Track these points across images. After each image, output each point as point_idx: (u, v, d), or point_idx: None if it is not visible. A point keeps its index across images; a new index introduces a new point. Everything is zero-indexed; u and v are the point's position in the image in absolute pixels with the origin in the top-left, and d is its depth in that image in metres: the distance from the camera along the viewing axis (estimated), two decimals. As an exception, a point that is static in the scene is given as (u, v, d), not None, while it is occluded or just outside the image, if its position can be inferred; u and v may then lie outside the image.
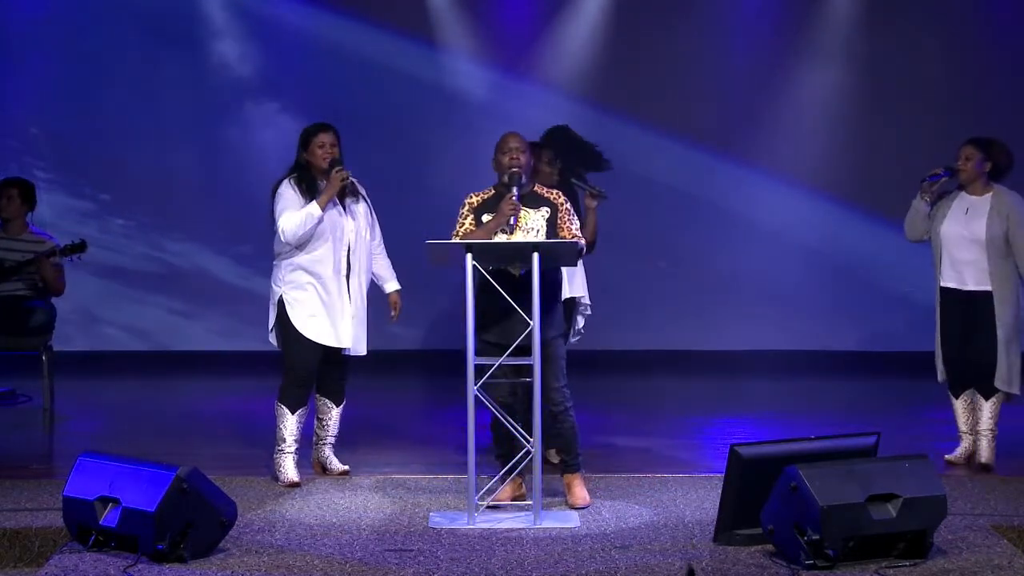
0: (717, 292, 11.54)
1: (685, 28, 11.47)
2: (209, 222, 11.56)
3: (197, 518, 5.58)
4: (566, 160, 7.73)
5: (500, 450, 6.62)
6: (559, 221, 6.52)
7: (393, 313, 7.33)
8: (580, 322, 7.71)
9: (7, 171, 10.05)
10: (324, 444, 7.26)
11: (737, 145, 11.52)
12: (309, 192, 6.96)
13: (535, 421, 6.26)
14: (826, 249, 11.60)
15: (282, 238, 6.95)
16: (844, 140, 11.54)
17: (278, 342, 7.12)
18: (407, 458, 7.79)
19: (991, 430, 7.40)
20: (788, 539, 5.46)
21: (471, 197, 6.64)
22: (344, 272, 7.00)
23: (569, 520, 6.27)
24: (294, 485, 6.94)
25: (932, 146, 10.82)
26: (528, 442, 6.30)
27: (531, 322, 6.20)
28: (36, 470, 7.47)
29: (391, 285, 7.30)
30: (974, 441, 7.51)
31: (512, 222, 6.45)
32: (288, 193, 6.98)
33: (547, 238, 6.45)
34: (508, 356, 6.30)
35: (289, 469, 6.99)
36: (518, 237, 6.45)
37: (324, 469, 7.25)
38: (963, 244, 7.33)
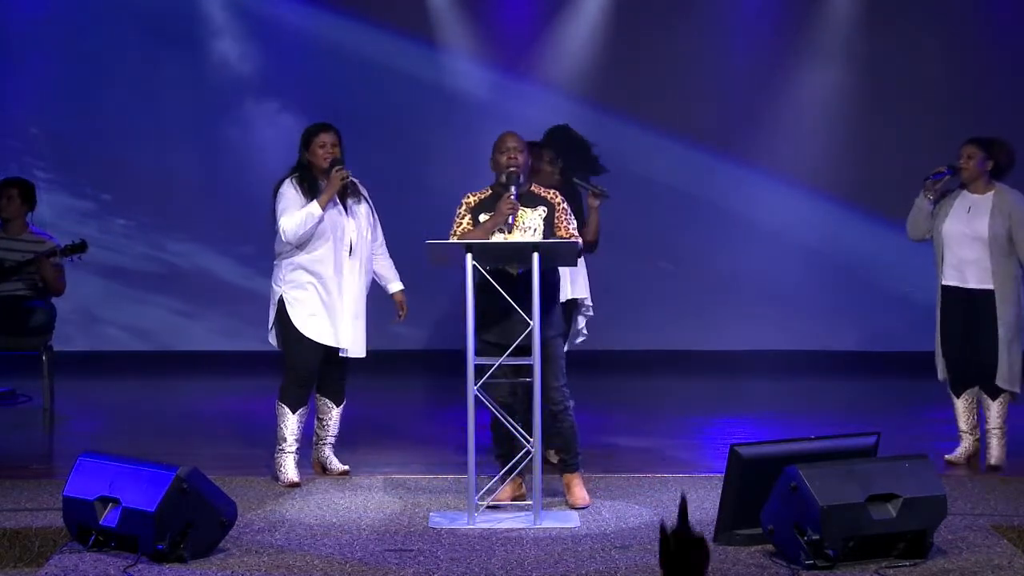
0: (717, 292, 11.54)
1: (685, 28, 11.47)
2: (210, 222, 11.56)
3: (197, 518, 5.58)
4: (567, 160, 7.73)
5: (500, 450, 6.62)
6: (556, 220, 6.53)
7: (401, 313, 7.33)
8: (581, 322, 7.71)
9: (8, 171, 10.05)
10: (324, 444, 7.26)
11: (737, 145, 11.52)
12: (310, 192, 6.96)
13: (535, 421, 6.27)
14: (826, 249, 11.60)
15: (283, 237, 6.96)
16: (844, 140, 11.54)
17: (278, 342, 7.12)
18: (407, 458, 7.79)
19: (1000, 428, 7.42)
20: (788, 539, 5.46)
21: (468, 197, 6.64)
22: (344, 272, 7.00)
23: (569, 520, 6.27)
24: (294, 485, 6.94)
25: (932, 146, 10.82)
26: (528, 442, 6.30)
27: (531, 322, 6.20)
28: (36, 470, 7.47)
29: (394, 285, 7.30)
30: (976, 441, 7.53)
31: (510, 221, 6.46)
32: (289, 193, 6.99)
33: (544, 237, 6.46)
34: (508, 356, 6.30)
35: (289, 469, 6.99)
36: (515, 237, 6.45)
37: (324, 469, 7.26)
38: (965, 242, 7.34)
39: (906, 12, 11.52)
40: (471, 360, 6.26)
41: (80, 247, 9.00)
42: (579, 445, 6.68)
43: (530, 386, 6.29)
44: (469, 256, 6.20)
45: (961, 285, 7.39)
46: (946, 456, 7.53)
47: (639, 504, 6.55)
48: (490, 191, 6.62)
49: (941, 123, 11.12)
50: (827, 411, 9.44)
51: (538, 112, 10.55)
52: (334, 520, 6.29)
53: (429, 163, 11.48)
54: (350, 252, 7.02)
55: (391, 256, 7.33)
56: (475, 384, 6.24)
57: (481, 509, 6.32)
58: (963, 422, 7.54)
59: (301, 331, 6.95)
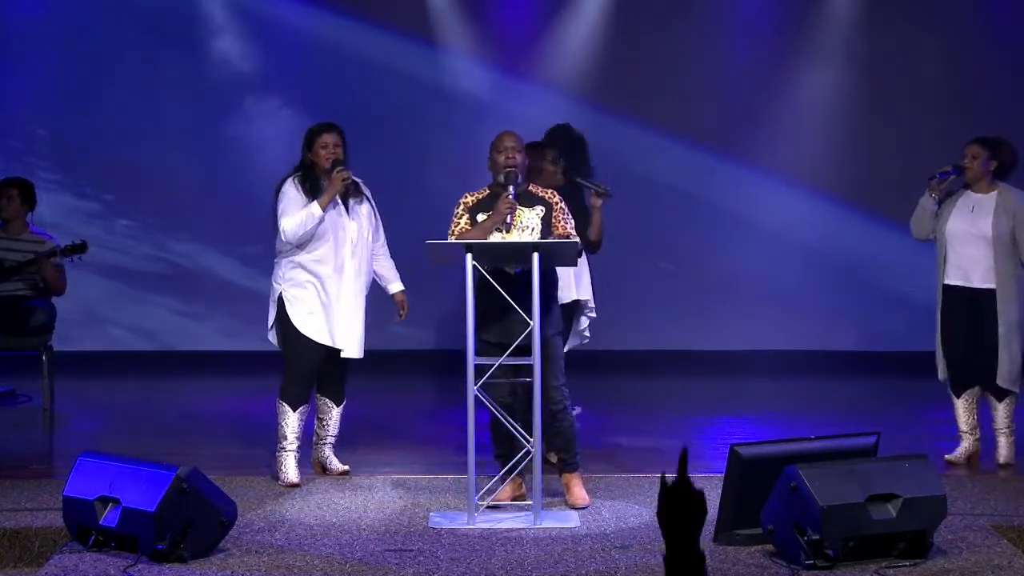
0: (717, 292, 11.55)
1: (685, 28, 11.47)
2: (213, 222, 11.56)
3: (197, 518, 5.58)
4: (568, 159, 7.74)
5: (500, 450, 6.62)
6: (553, 220, 6.53)
7: (401, 312, 7.33)
8: (584, 323, 7.72)
9: (12, 172, 10.04)
10: (324, 444, 7.26)
11: (737, 145, 11.52)
12: (312, 192, 6.96)
13: (535, 421, 6.27)
14: (826, 249, 11.61)
15: (283, 237, 6.97)
16: (844, 140, 11.54)
17: (278, 340, 7.13)
18: (407, 458, 7.80)
19: (1008, 428, 7.46)
20: (788, 539, 5.46)
21: (466, 197, 6.65)
22: (344, 273, 7.00)
23: (569, 520, 6.27)
24: (293, 486, 6.94)
25: (932, 146, 10.83)
26: (528, 442, 6.30)
27: (530, 322, 6.20)
28: (36, 470, 7.48)
29: (395, 286, 7.30)
30: (976, 441, 7.54)
31: (508, 221, 6.46)
32: (291, 192, 7.00)
33: (542, 237, 6.46)
34: (507, 356, 6.30)
35: (290, 469, 6.98)
36: (513, 236, 6.45)
37: (324, 469, 7.26)
38: (969, 241, 7.35)
39: (906, 12, 11.52)
40: (471, 360, 6.26)
41: (80, 247, 9.00)
42: (578, 445, 6.68)
43: (530, 386, 6.29)
44: (469, 256, 6.20)
45: (964, 284, 7.40)
46: (946, 456, 7.54)
47: (639, 504, 6.55)
48: (488, 191, 6.63)
49: (941, 123, 11.12)
50: (827, 411, 9.44)
51: (538, 112, 10.55)
52: (334, 520, 6.29)
53: (429, 163, 11.48)
54: (350, 253, 7.02)
55: (392, 256, 7.33)
56: (475, 384, 6.24)
57: (481, 509, 6.32)
58: (963, 422, 7.54)
59: (300, 329, 6.96)
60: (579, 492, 6.58)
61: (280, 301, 7.02)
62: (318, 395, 7.22)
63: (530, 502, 6.35)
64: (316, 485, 6.99)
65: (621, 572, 5.46)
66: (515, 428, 6.38)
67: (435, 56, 11.59)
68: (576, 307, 7.63)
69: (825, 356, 11.40)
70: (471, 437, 6.26)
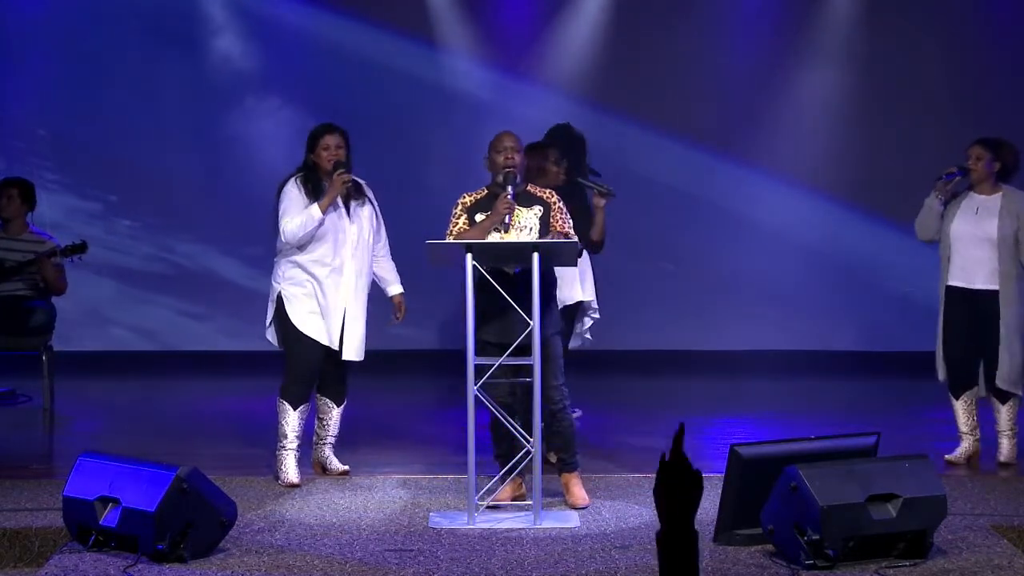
0: (717, 292, 11.54)
1: (685, 28, 11.47)
2: (215, 222, 11.55)
3: (197, 518, 5.58)
4: (570, 158, 7.74)
5: (499, 450, 6.62)
6: (552, 220, 6.53)
7: (398, 315, 7.33)
8: (587, 323, 7.72)
9: (14, 172, 10.05)
10: (324, 444, 7.26)
11: (737, 145, 11.52)
12: (314, 193, 6.97)
13: (535, 421, 6.27)
14: (826, 249, 11.60)
15: (283, 238, 6.97)
16: (844, 140, 11.54)
17: (277, 339, 7.13)
18: (407, 458, 7.80)
19: (1011, 430, 7.48)
20: (788, 539, 5.46)
21: (464, 197, 6.65)
22: (343, 274, 7.01)
23: (569, 520, 6.27)
24: (293, 486, 6.94)
25: (932, 146, 10.85)
26: (528, 442, 6.30)
27: (530, 321, 6.20)
28: (36, 470, 7.48)
29: (394, 288, 7.30)
30: (976, 441, 7.55)
31: (506, 221, 6.46)
32: (293, 192, 7.00)
33: (540, 237, 6.46)
34: (507, 355, 6.30)
35: (290, 469, 6.98)
36: (512, 236, 6.45)
37: (324, 469, 7.26)
38: (974, 243, 7.36)
39: (906, 12, 11.52)
40: (471, 360, 6.26)
41: (80, 248, 9.01)
42: (577, 445, 6.68)
43: (529, 386, 6.29)
44: (469, 256, 6.20)
45: (967, 286, 7.41)
46: (946, 456, 7.54)
47: (639, 504, 6.55)
48: (486, 191, 6.63)
49: (941, 123, 11.13)
50: (827, 411, 9.44)
51: (538, 112, 10.55)
52: (334, 520, 6.29)
53: (429, 163, 11.48)
54: (350, 255, 7.02)
55: (392, 256, 7.33)
56: (475, 384, 6.24)
57: (481, 509, 6.32)
58: (963, 423, 7.55)
59: (300, 328, 6.96)
60: (579, 492, 6.58)
61: (279, 300, 7.03)
62: (319, 395, 7.22)
63: (530, 502, 6.35)
64: (316, 485, 6.99)
65: (621, 572, 5.46)
66: (515, 428, 6.38)
67: (435, 56, 11.58)
68: (579, 308, 7.64)
69: (825, 356, 11.40)
70: (471, 437, 6.26)
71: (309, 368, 7.02)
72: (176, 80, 11.46)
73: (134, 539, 5.58)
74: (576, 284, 7.55)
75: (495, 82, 11.57)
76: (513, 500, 6.57)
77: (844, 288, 11.54)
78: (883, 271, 11.55)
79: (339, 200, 7.00)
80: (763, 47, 11.52)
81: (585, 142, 8.17)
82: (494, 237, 6.45)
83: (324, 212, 6.91)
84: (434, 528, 6.14)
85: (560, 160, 7.62)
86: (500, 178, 6.52)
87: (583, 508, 6.49)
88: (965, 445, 7.55)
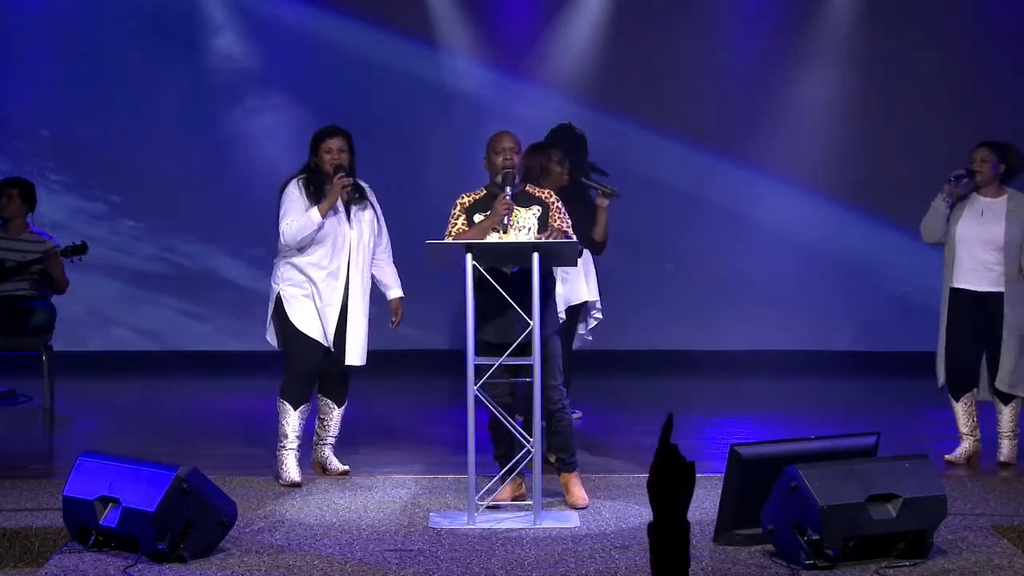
0: (717, 292, 11.54)
1: (685, 28, 11.46)
2: (217, 223, 11.54)
3: (197, 518, 5.58)
4: (572, 158, 7.74)
5: (499, 450, 6.62)
6: (550, 219, 6.53)
7: (394, 319, 7.33)
8: (591, 323, 7.72)
9: (17, 173, 10.05)
10: (324, 444, 7.26)
11: (737, 145, 11.51)
12: (316, 195, 6.97)
13: (535, 421, 6.27)
14: (826, 249, 11.60)
15: (282, 240, 6.98)
16: (844, 140, 11.53)
17: (277, 340, 7.13)
18: (407, 458, 7.80)
19: (1012, 432, 7.49)
20: (788, 539, 5.46)
21: (463, 198, 6.65)
22: (342, 279, 7.01)
23: (569, 520, 6.27)
24: (295, 485, 6.94)
25: (932, 146, 10.86)
26: (528, 442, 6.30)
27: (530, 321, 6.20)
28: (36, 470, 7.48)
29: (394, 292, 7.30)
30: (976, 441, 7.55)
31: (505, 221, 6.46)
32: (294, 194, 7.00)
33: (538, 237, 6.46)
34: (506, 355, 6.30)
35: (291, 468, 6.98)
36: (510, 236, 6.45)
37: (324, 469, 7.26)
38: (980, 246, 7.37)
39: (906, 12, 11.51)
40: (471, 360, 6.26)
41: (81, 248, 9.01)
42: (577, 445, 6.68)
43: (528, 385, 6.29)
44: (469, 256, 6.20)
45: (973, 288, 7.41)
46: (946, 456, 7.54)
47: (639, 504, 6.55)
48: (485, 191, 6.63)
49: (941, 123, 11.12)
50: (827, 411, 9.44)
51: (538, 112, 10.56)
52: (334, 520, 6.29)
53: (429, 163, 11.47)
54: (348, 259, 7.02)
55: (392, 255, 7.32)
56: (475, 384, 6.24)
57: (481, 509, 6.32)
58: (962, 424, 7.55)
59: (299, 328, 6.97)
60: (578, 492, 6.58)
61: (279, 301, 7.03)
62: (320, 395, 7.22)
63: (530, 502, 6.35)
64: (316, 485, 6.99)
65: (621, 572, 5.46)
66: (515, 428, 6.38)
67: (435, 56, 11.58)
68: (582, 308, 7.65)
69: (825, 356, 11.40)
70: (471, 437, 6.26)
71: (308, 368, 7.02)
72: (176, 80, 11.46)
73: (134, 539, 5.58)
74: (581, 283, 7.56)
75: (495, 82, 11.57)
76: (513, 500, 6.57)
77: (844, 288, 11.53)
78: (883, 271, 11.55)
79: (340, 204, 7.00)
80: (763, 47, 11.51)
81: (586, 142, 8.18)
82: (493, 237, 6.45)
83: (323, 216, 6.91)
84: (434, 528, 6.14)
85: (563, 160, 7.62)
86: (499, 179, 6.52)
87: (583, 508, 6.49)
88: (965, 445, 7.55)
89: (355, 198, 7.08)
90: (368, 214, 7.13)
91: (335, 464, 7.25)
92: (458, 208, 6.62)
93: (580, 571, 5.49)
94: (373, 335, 7.17)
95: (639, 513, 6.40)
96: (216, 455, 7.64)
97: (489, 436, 6.62)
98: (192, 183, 11.52)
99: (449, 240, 6.46)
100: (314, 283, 6.97)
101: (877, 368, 11.17)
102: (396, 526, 6.18)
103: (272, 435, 7.12)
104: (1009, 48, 11.40)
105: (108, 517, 5.64)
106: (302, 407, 7.01)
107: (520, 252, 6.28)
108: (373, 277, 7.21)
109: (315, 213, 6.91)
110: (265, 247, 7.88)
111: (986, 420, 7.60)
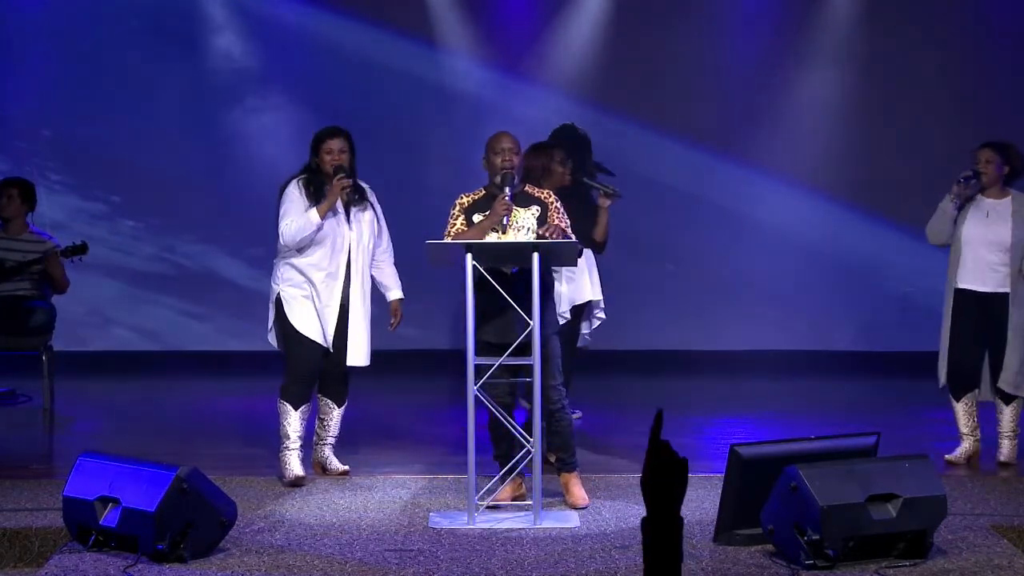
0: (717, 292, 11.54)
1: (685, 28, 11.46)
2: (218, 223, 11.54)
3: (197, 518, 5.58)
4: (574, 159, 7.74)
5: (499, 450, 6.61)
6: (548, 218, 6.53)
7: (393, 321, 7.32)
8: (594, 323, 7.72)
9: (18, 173, 10.04)
10: (324, 444, 7.26)
11: (737, 145, 11.51)
12: (316, 195, 6.97)
13: (535, 420, 6.27)
14: (826, 249, 11.60)
15: (281, 240, 6.98)
16: (844, 140, 11.53)
17: (277, 341, 7.13)
18: (407, 458, 7.80)
19: (1012, 432, 7.50)
20: (788, 539, 5.46)
21: (462, 198, 6.65)
22: (341, 280, 7.01)
23: (569, 520, 6.27)
24: (299, 480, 6.93)
25: (932, 146, 10.86)
26: (528, 442, 6.30)
27: (530, 321, 6.20)
28: (36, 470, 7.48)
29: (394, 294, 7.29)
30: (976, 441, 7.55)
31: (504, 221, 6.46)
32: (293, 194, 7.00)
33: (538, 237, 6.46)
34: (507, 356, 6.30)
35: (294, 465, 6.98)
36: (509, 236, 6.45)
37: (324, 469, 7.26)
38: (986, 247, 7.38)
39: (906, 12, 11.51)
40: (471, 360, 6.26)
41: (81, 248, 9.01)
42: (578, 445, 6.68)
43: (527, 386, 6.28)
44: (469, 256, 6.20)
45: (978, 289, 7.42)
46: (946, 456, 7.54)
47: (639, 504, 6.53)
48: (484, 192, 6.63)
49: (941, 123, 11.13)
50: (827, 411, 9.44)
51: (538, 112, 10.56)
52: (334, 520, 6.29)
53: (429, 163, 11.47)
54: (347, 260, 7.02)
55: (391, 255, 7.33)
56: (475, 384, 6.24)
57: (481, 509, 6.32)
58: (963, 425, 7.55)
59: (298, 329, 6.97)
60: (578, 492, 6.58)
61: (279, 302, 7.03)
62: (320, 395, 7.22)
63: (530, 502, 6.35)
64: (316, 485, 6.99)
65: (621, 572, 5.46)
66: (515, 428, 6.38)
67: (435, 56, 11.58)
68: (585, 307, 7.65)
69: (825, 356, 11.40)
70: (471, 437, 6.26)
71: (308, 368, 7.02)
72: (176, 80, 11.46)
73: (134, 539, 5.58)
74: (585, 283, 7.56)
75: (495, 82, 11.57)
76: (513, 500, 6.57)
77: (844, 288, 11.53)
78: (883, 271, 11.55)
79: (339, 205, 7.00)
80: (763, 47, 11.51)
81: (590, 142, 8.18)
82: (491, 238, 6.45)
83: (323, 217, 6.91)
84: (434, 528, 6.14)
85: (566, 160, 7.63)
86: (498, 179, 6.52)
87: (583, 508, 6.49)
88: (965, 445, 7.55)
89: (355, 199, 7.08)
90: (368, 215, 7.13)
91: (335, 464, 7.25)
92: (457, 208, 6.62)
93: (580, 571, 5.49)
94: (373, 335, 7.17)
95: (639, 513, 6.35)
96: (216, 455, 7.64)
97: (489, 436, 6.62)
98: (192, 183, 11.52)
99: (448, 241, 6.46)
100: (313, 284, 6.97)
101: (877, 368, 11.17)
102: (396, 526, 6.18)
103: (272, 435, 7.12)
104: (1009, 48, 11.40)
105: (108, 517, 5.64)
106: (303, 407, 7.02)
107: (520, 252, 6.28)
108: (373, 278, 7.21)
109: (314, 214, 6.91)
110: (265, 247, 7.88)
111: (986, 420, 7.60)
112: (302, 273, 6.98)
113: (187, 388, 10.63)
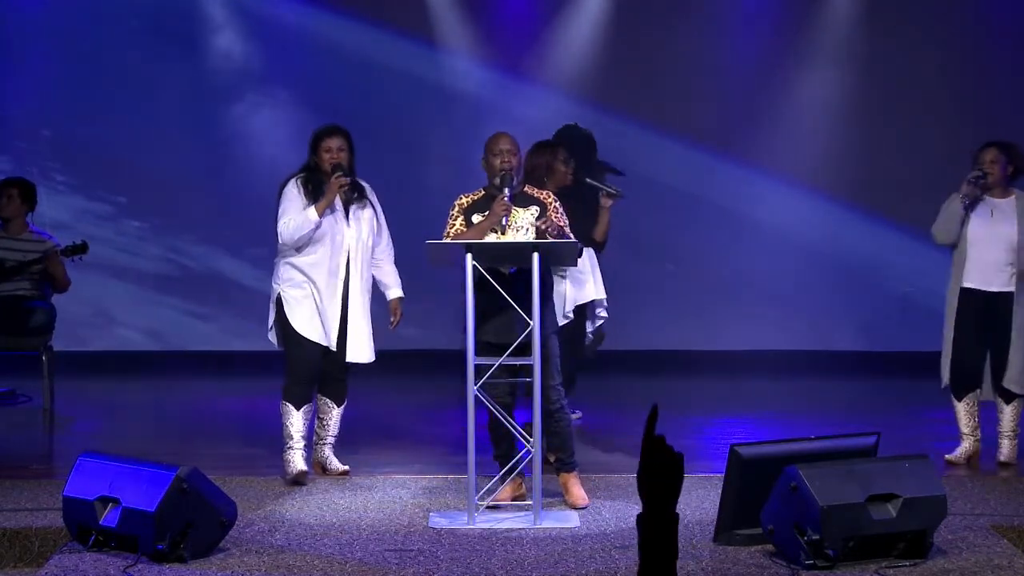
0: (717, 292, 11.54)
1: (685, 28, 11.46)
2: (220, 223, 11.54)
3: (197, 518, 5.58)
4: (576, 159, 7.75)
5: (499, 450, 6.61)
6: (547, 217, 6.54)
7: (393, 319, 7.32)
8: (598, 323, 7.72)
9: (20, 173, 10.04)
10: (324, 444, 7.26)
11: (737, 145, 11.51)
12: (315, 194, 6.97)
13: (535, 421, 6.27)
14: (826, 249, 11.60)
15: (280, 239, 6.98)
16: (844, 140, 11.53)
17: (278, 340, 7.13)
18: (407, 458, 7.80)
19: (1013, 431, 7.50)
20: (788, 539, 5.46)
21: (461, 198, 6.65)
22: (341, 278, 7.01)
23: (569, 520, 6.27)
24: (302, 475, 6.93)
25: (932, 146, 10.86)
26: (528, 442, 6.30)
27: (530, 321, 6.20)
28: (36, 470, 7.48)
29: (393, 292, 7.29)
30: (977, 442, 7.55)
31: (503, 222, 6.46)
32: (292, 193, 7.00)
33: (536, 237, 6.46)
34: (506, 356, 6.30)
35: (298, 461, 6.98)
36: (508, 237, 6.45)
37: (324, 469, 7.26)
38: (991, 246, 7.38)
39: (906, 12, 11.51)
40: (471, 360, 6.26)
41: (81, 248, 9.01)
42: (577, 445, 6.67)
43: (527, 385, 6.29)
44: (469, 256, 6.20)
45: (983, 288, 7.42)
46: (946, 456, 7.54)
47: (639, 504, 6.52)
48: (483, 192, 6.63)
49: (941, 123, 11.12)
50: (827, 411, 9.44)
51: (538, 112, 10.55)
52: (334, 520, 6.29)
53: (429, 163, 11.47)
54: (347, 259, 7.02)
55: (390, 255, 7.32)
56: (475, 384, 6.24)
57: (481, 509, 6.32)
58: (964, 424, 7.55)
59: (298, 329, 6.97)
60: (578, 492, 6.58)
61: (279, 302, 7.03)
62: (319, 395, 7.22)
63: (530, 502, 6.35)
64: (316, 485, 6.99)
65: (621, 572, 5.46)
66: (514, 428, 6.38)
67: (435, 56, 11.58)
68: (588, 306, 7.65)
69: (825, 356, 11.39)
70: (471, 437, 6.26)
71: (309, 369, 7.03)
72: (176, 80, 11.46)
73: (134, 539, 5.58)
74: (589, 282, 7.57)
75: (495, 82, 11.57)
76: (513, 500, 6.57)
77: (844, 288, 11.53)
78: (883, 271, 11.55)
79: (338, 203, 7.00)
80: (763, 47, 11.51)
81: (594, 142, 8.19)
82: (491, 238, 6.45)
83: (321, 215, 6.91)
84: (434, 528, 6.14)
85: (568, 160, 7.63)
86: (497, 180, 6.52)
87: (583, 508, 6.49)
88: (965, 445, 7.55)
89: (354, 197, 7.08)
90: (367, 213, 7.13)
91: (335, 464, 7.25)
92: (456, 209, 6.62)
93: (580, 571, 5.49)
94: (374, 335, 7.16)
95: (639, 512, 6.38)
96: (216, 455, 7.64)
97: (489, 436, 6.62)
98: (193, 183, 11.52)
99: (447, 241, 6.46)
100: (313, 283, 6.97)
101: (877, 368, 11.17)
102: (396, 526, 6.17)
103: (273, 435, 7.13)
104: (1009, 48, 11.40)
105: (108, 517, 5.64)
106: (304, 407, 7.02)
107: (520, 252, 6.28)
108: (373, 277, 7.21)
109: (312, 212, 6.91)
110: (267, 247, 7.88)
111: (986, 420, 7.60)
112: (302, 272, 6.98)
113: (189, 388, 10.63)
